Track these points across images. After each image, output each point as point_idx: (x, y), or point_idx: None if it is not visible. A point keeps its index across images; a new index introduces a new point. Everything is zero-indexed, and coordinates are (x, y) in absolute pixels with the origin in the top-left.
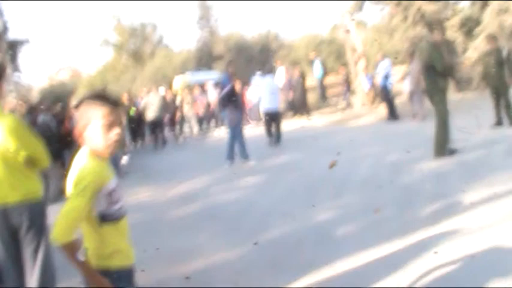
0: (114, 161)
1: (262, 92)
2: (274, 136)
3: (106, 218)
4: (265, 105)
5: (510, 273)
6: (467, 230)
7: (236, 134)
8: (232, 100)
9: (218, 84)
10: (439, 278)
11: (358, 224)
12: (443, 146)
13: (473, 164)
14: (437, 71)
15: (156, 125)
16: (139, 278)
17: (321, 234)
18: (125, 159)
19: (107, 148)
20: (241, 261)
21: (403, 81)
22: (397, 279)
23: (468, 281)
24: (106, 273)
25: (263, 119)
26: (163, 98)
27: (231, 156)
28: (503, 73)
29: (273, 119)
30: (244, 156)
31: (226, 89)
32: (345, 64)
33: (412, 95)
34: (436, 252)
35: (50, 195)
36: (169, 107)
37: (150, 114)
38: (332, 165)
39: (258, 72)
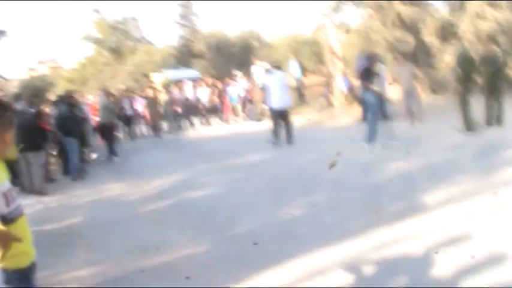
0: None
1: (271, 88)
2: (287, 135)
3: (3, 220)
4: (274, 103)
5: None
6: (429, 230)
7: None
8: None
9: (197, 82)
10: (402, 276)
11: (324, 221)
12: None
13: (441, 165)
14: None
15: (106, 130)
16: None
17: (287, 231)
18: (93, 155)
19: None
20: (208, 255)
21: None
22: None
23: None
24: (4, 273)
25: (271, 117)
26: (110, 102)
27: (373, 138)
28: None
29: (283, 117)
30: (371, 138)
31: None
32: (324, 65)
33: (407, 97)
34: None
35: (35, 185)
36: (115, 111)
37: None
38: (332, 165)
39: (264, 68)
